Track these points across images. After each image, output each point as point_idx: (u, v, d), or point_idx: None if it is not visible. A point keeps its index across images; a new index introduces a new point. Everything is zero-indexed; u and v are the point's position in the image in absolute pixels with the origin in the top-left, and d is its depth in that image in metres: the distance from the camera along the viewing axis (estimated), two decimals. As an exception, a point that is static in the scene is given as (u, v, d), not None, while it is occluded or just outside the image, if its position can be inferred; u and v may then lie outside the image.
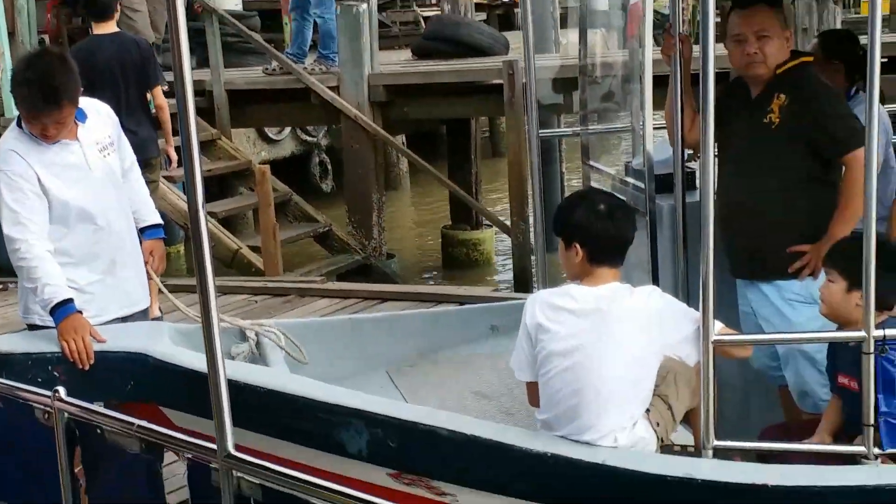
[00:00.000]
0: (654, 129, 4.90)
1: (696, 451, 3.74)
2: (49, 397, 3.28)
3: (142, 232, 4.84)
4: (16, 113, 4.58)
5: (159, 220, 4.98)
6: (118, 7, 7.58)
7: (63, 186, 4.45)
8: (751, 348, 4.05)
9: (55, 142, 4.47)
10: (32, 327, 4.57)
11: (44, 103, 4.34)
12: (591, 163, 5.56)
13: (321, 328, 5.12)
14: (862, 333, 3.52)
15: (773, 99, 4.32)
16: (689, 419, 3.94)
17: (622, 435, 3.71)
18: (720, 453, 3.65)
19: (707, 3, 3.44)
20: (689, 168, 4.68)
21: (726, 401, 4.39)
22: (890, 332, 3.56)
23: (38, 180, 4.39)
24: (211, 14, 11.69)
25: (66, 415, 3.25)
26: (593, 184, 5.48)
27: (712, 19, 3.50)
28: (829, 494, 3.47)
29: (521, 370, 3.90)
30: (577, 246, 3.83)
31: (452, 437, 3.70)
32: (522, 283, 10.47)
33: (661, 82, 4.75)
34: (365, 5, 11.05)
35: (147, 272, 4.83)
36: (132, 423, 3.08)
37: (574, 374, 3.72)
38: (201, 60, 12.11)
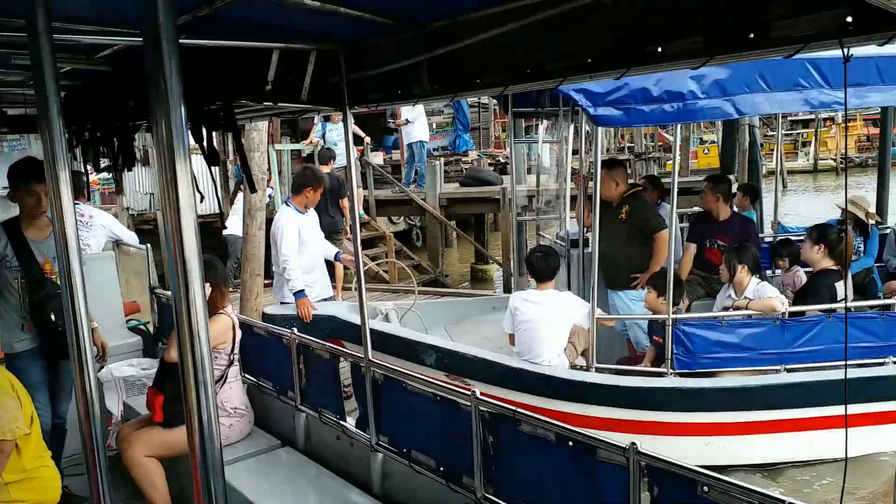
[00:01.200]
0: (570, 218, 4.85)
1: (586, 368, 3.68)
2: (288, 334, 3.07)
3: (335, 257, 4.60)
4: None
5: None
6: (333, 160, 7.54)
7: (305, 237, 4.36)
8: (613, 322, 3.96)
9: (305, 212, 4.40)
10: (283, 304, 4.45)
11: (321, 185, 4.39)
12: (541, 233, 5.50)
13: (419, 308, 4.79)
14: (664, 316, 3.49)
15: (623, 206, 4.17)
16: (584, 354, 3.88)
17: (554, 360, 3.67)
18: (598, 370, 3.61)
19: (597, 164, 3.43)
20: (585, 237, 4.61)
21: (602, 345, 4.28)
22: (677, 316, 3.51)
23: (299, 233, 4.33)
24: (368, 165, 11.80)
25: (297, 340, 2.99)
26: (541, 243, 5.42)
27: (598, 171, 3.49)
28: (647, 390, 3.43)
29: (507, 328, 3.84)
30: (528, 273, 3.79)
31: (474, 357, 3.66)
32: (507, 289, 10.32)
33: (573, 199, 4.69)
34: (437, 162, 11.12)
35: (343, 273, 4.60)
36: (325, 345, 2.94)
37: (530, 331, 3.68)
38: (364, 186, 12.09)
